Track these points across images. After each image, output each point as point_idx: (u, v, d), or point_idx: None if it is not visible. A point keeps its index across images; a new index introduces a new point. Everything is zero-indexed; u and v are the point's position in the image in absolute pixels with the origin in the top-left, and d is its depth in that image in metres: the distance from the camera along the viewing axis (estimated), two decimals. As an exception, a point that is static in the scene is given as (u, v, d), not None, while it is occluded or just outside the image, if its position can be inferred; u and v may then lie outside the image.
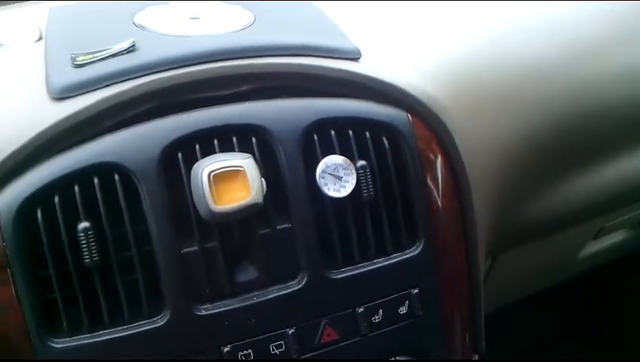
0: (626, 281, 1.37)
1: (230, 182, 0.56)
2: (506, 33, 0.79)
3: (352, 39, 0.68)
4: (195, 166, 0.57)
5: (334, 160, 0.61)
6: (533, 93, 0.77)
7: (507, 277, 0.95)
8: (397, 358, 0.65)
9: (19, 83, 0.63)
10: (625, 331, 1.41)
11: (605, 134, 0.85)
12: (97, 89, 0.58)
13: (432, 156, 0.66)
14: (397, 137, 0.64)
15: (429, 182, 0.65)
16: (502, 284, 0.94)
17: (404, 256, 0.64)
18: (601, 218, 0.98)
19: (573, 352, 1.44)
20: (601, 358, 1.41)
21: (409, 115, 0.65)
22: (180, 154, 0.58)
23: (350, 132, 0.62)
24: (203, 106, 0.60)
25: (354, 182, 0.61)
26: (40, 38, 0.70)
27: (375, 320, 0.63)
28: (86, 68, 0.60)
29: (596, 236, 1.04)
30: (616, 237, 1.10)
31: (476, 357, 0.74)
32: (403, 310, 0.64)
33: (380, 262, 0.63)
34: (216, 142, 0.59)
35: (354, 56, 0.66)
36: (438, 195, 0.66)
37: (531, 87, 0.77)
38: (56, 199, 0.55)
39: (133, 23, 0.68)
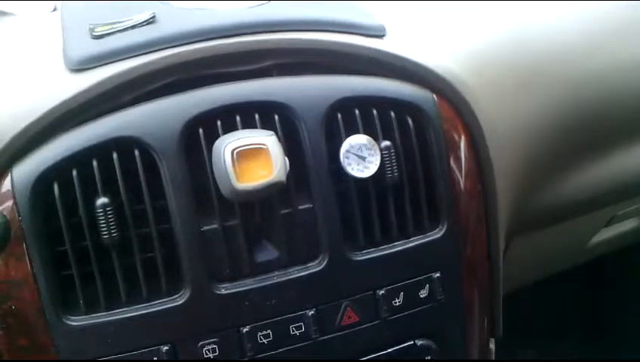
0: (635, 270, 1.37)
1: (253, 159, 0.54)
2: (532, 18, 0.77)
3: (377, 17, 0.66)
4: (217, 142, 0.55)
5: (358, 140, 0.59)
6: (557, 77, 0.76)
7: (520, 261, 0.94)
8: (417, 341, 0.64)
9: (34, 54, 0.61)
10: (627, 318, 1.41)
11: (626, 120, 0.84)
12: (117, 61, 0.57)
13: (456, 137, 0.65)
14: (422, 117, 0.62)
15: (453, 164, 0.64)
16: (514, 268, 0.93)
17: (427, 239, 0.63)
18: (614, 205, 0.98)
19: (579, 337, 1.44)
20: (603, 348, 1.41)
21: (435, 96, 0.63)
22: (201, 130, 0.56)
23: (374, 111, 0.61)
24: (225, 81, 0.59)
25: (378, 162, 0.60)
26: (54, 9, 0.68)
27: (396, 303, 0.62)
28: (105, 39, 0.58)
29: (608, 223, 1.03)
30: (628, 225, 1.09)
31: (493, 342, 0.74)
32: (424, 293, 0.63)
33: (402, 245, 0.62)
34: (238, 118, 0.57)
35: (379, 33, 0.65)
36: (462, 177, 0.65)
37: (555, 71, 0.75)
38: (74, 173, 0.54)
39: None
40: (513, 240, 0.88)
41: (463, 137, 0.65)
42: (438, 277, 0.64)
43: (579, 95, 0.76)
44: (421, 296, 0.63)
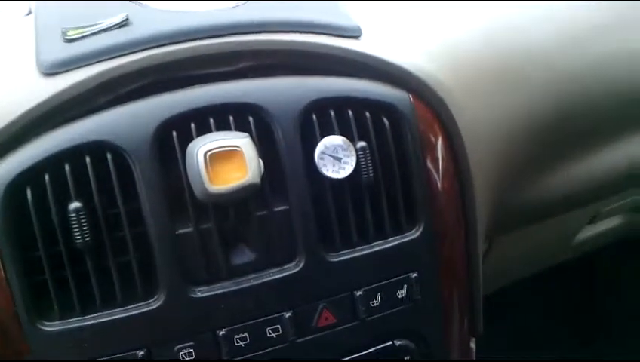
0: (621, 267, 1.37)
1: (227, 162, 0.54)
2: (507, 16, 0.78)
3: (353, 18, 0.66)
4: (190, 145, 0.55)
5: (333, 140, 0.59)
6: (535, 76, 0.76)
7: (503, 260, 0.94)
8: (395, 342, 0.64)
9: (7, 58, 0.61)
10: (618, 316, 1.41)
11: (605, 117, 0.84)
12: (89, 64, 0.56)
13: (433, 138, 0.65)
14: (398, 118, 0.62)
15: (430, 164, 0.64)
16: (498, 267, 0.93)
17: (404, 239, 0.63)
18: (597, 203, 0.98)
19: (563, 336, 1.44)
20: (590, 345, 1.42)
21: (410, 96, 0.63)
22: (174, 133, 0.56)
23: (350, 112, 0.61)
24: (198, 84, 0.58)
25: (353, 163, 0.60)
26: (29, 13, 0.68)
27: (373, 303, 0.62)
28: (77, 43, 0.58)
29: (592, 221, 1.04)
30: (612, 222, 1.09)
31: (473, 341, 0.74)
32: (401, 294, 0.63)
33: (379, 245, 0.62)
34: (212, 120, 0.57)
35: (354, 34, 0.64)
36: (439, 177, 0.65)
37: (533, 70, 0.75)
38: (47, 178, 0.53)
39: None
40: (495, 240, 0.88)
41: (439, 137, 0.65)
42: (415, 277, 0.64)
43: (555, 92, 0.76)
44: (399, 296, 0.63)
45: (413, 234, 0.64)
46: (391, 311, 0.63)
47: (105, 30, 0.58)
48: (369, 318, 0.62)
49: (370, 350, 0.64)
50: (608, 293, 1.43)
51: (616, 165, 0.89)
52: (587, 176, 0.87)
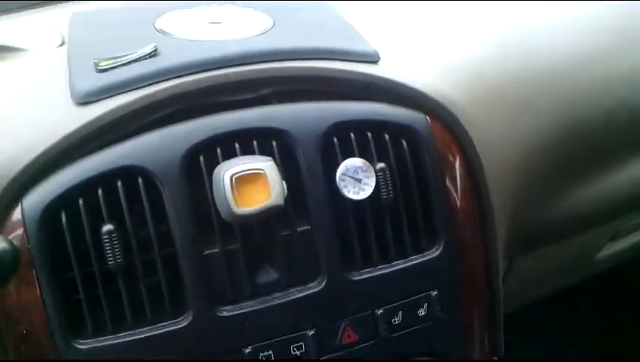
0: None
1: (251, 184, 0.56)
2: (523, 35, 0.79)
3: (371, 42, 0.69)
4: (216, 169, 0.57)
5: (354, 162, 0.61)
6: (552, 95, 0.77)
7: (524, 279, 0.94)
8: (416, 359, 0.65)
9: (42, 88, 0.64)
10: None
11: (621, 135, 0.84)
12: (120, 93, 0.59)
13: (450, 158, 0.66)
14: (416, 139, 0.64)
15: (448, 184, 0.66)
16: (519, 286, 0.93)
17: (424, 258, 0.64)
18: (618, 220, 0.98)
19: (589, 354, 1.43)
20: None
21: (427, 117, 0.65)
22: (201, 158, 0.58)
23: (369, 134, 0.63)
24: (224, 110, 0.61)
25: (373, 184, 0.61)
26: (62, 43, 0.71)
27: (394, 321, 0.63)
28: (109, 73, 0.61)
29: (613, 238, 1.03)
30: (634, 238, 1.09)
31: (495, 359, 0.74)
32: (422, 312, 0.64)
33: (399, 264, 0.64)
34: (237, 145, 0.59)
35: (373, 59, 0.67)
36: (457, 197, 0.66)
37: (550, 88, 0.76)
38: (81, 202, 0.56)
39: (155, 28, 0.69)
40: (516, 258, 0.89)
41: (457, 157, 0.67)
42: (436, 295, 0.65)
43: (572, 110, 0.77)
44: (419, 315, 0.64)
45: (434, 253, 0.65)
46: (412, 328, 0.64)
47: (135, 60, 0.61)
48: (391, 336, 0.63)
49: (391, 367, 0.65)
50: (634, 310, 1.41)
51: (635, 182, 0.89)
52: (606, 194, 0.87)
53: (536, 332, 1.37)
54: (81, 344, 0.57)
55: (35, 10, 0.85)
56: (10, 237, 0.55)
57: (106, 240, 0.55)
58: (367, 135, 0.63)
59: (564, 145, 0.78)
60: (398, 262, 0.64)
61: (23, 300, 0.56)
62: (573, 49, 0.80)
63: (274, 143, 0.60)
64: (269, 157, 0.58)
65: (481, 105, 0.70)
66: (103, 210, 0.56)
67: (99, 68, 0.61)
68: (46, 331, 0.56)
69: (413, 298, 0.64)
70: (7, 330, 0.57)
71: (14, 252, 0.51)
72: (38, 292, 0.56)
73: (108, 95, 0.59)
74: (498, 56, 0.76)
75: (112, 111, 0.58)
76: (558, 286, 1.11)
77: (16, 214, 0.56)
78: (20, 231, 0.55)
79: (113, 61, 0.61)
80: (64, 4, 0.85)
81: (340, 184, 0.61)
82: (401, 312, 0.63)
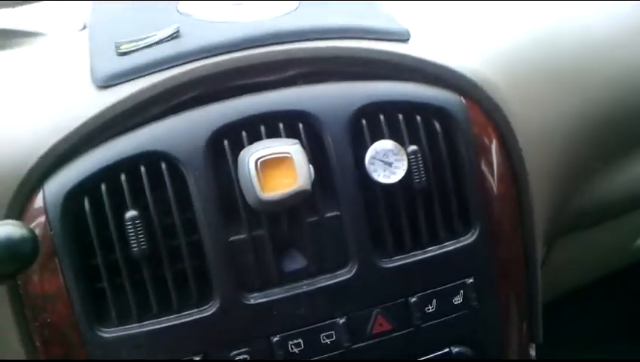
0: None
1: (277, 168, 0.54)
2: (559, 17, 0.76)
3: (401, 21, 0.66)
4: (241, 153, 0.56)
5: (384, 145, 0.59)
6: (589, 75, 0.74)
7: (563, 265, 0.92)
8: (452, 349, 0.63)
9: (63, 72, 0.63)
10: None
11: None
12: (142, 76, 0.57)
13: (487, 141, 0.63)
14: (450, 121, 0.61)
15: (484, 168, 0.63)
16: (557, 273, 0.90)
17: (459, 244, 0.62)
18: None
19: (626, 345, 1.39)
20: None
21: (463, 99, 0.62)
22: (226, 142, 0.57)
23: (400, 116, 0.60)
24: (249, 92, 0.59)
25: (405, 168, 0.59)
26: (84, 28, 0.70)
27: (429, 310, 0.61)
28: (130, 56, 0.59)
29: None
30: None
31: (533, 347, 0.72)
32: (458, 300, 0.62)
33: (433, 251, 0.61)
34: (262, 128, 0.57)
35: (403, 37, 0.64)
36: (494, 181, 0.63)
37: (587, 70, 0.73)
38: (103, 188, 0.55)
39: (177, 10, 0.68)
40: (554, 244, 0.86)
41: (494, 140, 0.64)
42: (472, 282, 0.62)
43: (613, 92, 0.74)
44: (455, 303, 0.62)
45: (469, 239, 0.62)
46: (447, 317, 0.62)
47: (157, 43, 0.60)
48: (424, 325, 0.61)
49: (426, 357, 0.63)
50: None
51: None
52: None
53: (574, 320, 1.34)
54: (106, 332, 0.56)
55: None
56: (33, 225, 0.55)
57: (130, 227, 0.54)
58: (397, 117, 0.60)
59: (603, 130, 0.75)
60: (432, 248, 0.61)
61: (46, 289, 0.55)
62: (611, 31, 0.77)
63: (300, 126, 0.58)
64: (296, 141, 0.56)
65: (520, 89, 0.68)
66: (127, 195, 0.55)
67: (120, 51, 0.59)
68: (70, 320, 0.55)
69: (448, 285, 0.62)
70: (32, 319, 0.56)
71: (34, 240, 0.49)
72: (62, 280, 0.55)
73: (129, 78, 0.57)
74: (537, 39, 0.72)
75: (133, 95, 0.56)
76: (597, 274, 1.08)
77: (38, 201, 0.55)
78: (42, 218, 0.55)
79: (135, 44, 0.60)
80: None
81: (370, 168, 0.59)
82: (435, 300, 0.61)
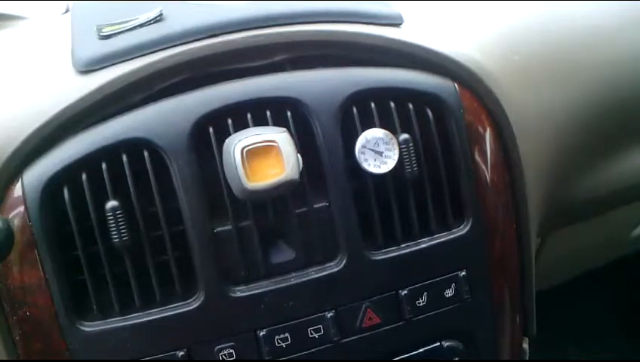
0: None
1: (264, 157, 0.52)
2: (556, 5, 0.74)
3: (394, 6, 0.64)
4: (227, 141, 0.54)
5: (375, 133, 0.57)
6: (585, 64, 0.72)
7: (556, 257, 0.91)
8: (443, 343, 0.62)
9: (44, 56, 0.61)
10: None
11: None
12: (124, 61, 0.55)
13: (480, 129, 0.62)
14: (442, 109, 0.60)
15: (478, 157, 0.61)
16: (551, 264, 0.89)
17: (451, 236, 0.60)
18: None
19: (621, 338, 1.39)
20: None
21: (456, 85, 0.60)
22: (211, 129, 0.55)
23: (392, 103, 0.59)
24: (235, 78, 0.57)
25: (396, 157, 0.57)
26: (67, 11, 0.68)
27: (419, 303, 0.59)
28: (112, 39, 0.57)
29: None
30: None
31: (526, 341, 0.70)
32: (449, 293, 0.60)
33: (425, 243, 0.60)
34: (249, 115, 0.55)
35: (395, 21, 0.62)
36: (487, 171, 0.62)
37: (582, 58, 0.72)
38: (84, 177, 0.53)
39: None
40: (548, 236, 0.85)
41: (487, 129, 0.62)
42: (464, 275, 0.61)
43: (608, 81, 0.72)
44: (446, 296, 0.60)
45: (461, 231, 0.61)
46: (438, 311, 0.61)
47: (140, 26, 0.58)
48: (415, 318, 0.60)
49: (417, 351, 0.61)
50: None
51: None
52: None
53: (567, 313, 1.33)
54: (87, 326, 0.54)
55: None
56: (11, 215, 0.53)
57: (111, 217, 0.52)
58: (389, 104, 0.58)
59: (600, 120, 0.74)
60: (423, 239, 0.60)
61: (25, 281, 0.54)
62: (608, 18, 0.75)
63: (288, 113, 0.56)
64: (284, 129, 0.54)
65: (515, 76, 0.66)
66: (108, 185, 0.53)
67: (101, 34, 0.57)
68: (50, 313, 0.54)
69: (439, 278, 0.60)
70: (11, 313, 0.54)
71: (8, 230, 0.48)
72: (42, 272, 0.53)
73: (111, 62, 0.55)
74: (532, 26, 0.71)
75: (115, 80, 0.54)
76: (592, 265, 1.07)
77: (17, 191, 0.53)
78: (21, 208, 0.53)
79: (117, 27, 0.58)
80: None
81: (360, 157, 0.57)
82: (426, 294, 0.60)
